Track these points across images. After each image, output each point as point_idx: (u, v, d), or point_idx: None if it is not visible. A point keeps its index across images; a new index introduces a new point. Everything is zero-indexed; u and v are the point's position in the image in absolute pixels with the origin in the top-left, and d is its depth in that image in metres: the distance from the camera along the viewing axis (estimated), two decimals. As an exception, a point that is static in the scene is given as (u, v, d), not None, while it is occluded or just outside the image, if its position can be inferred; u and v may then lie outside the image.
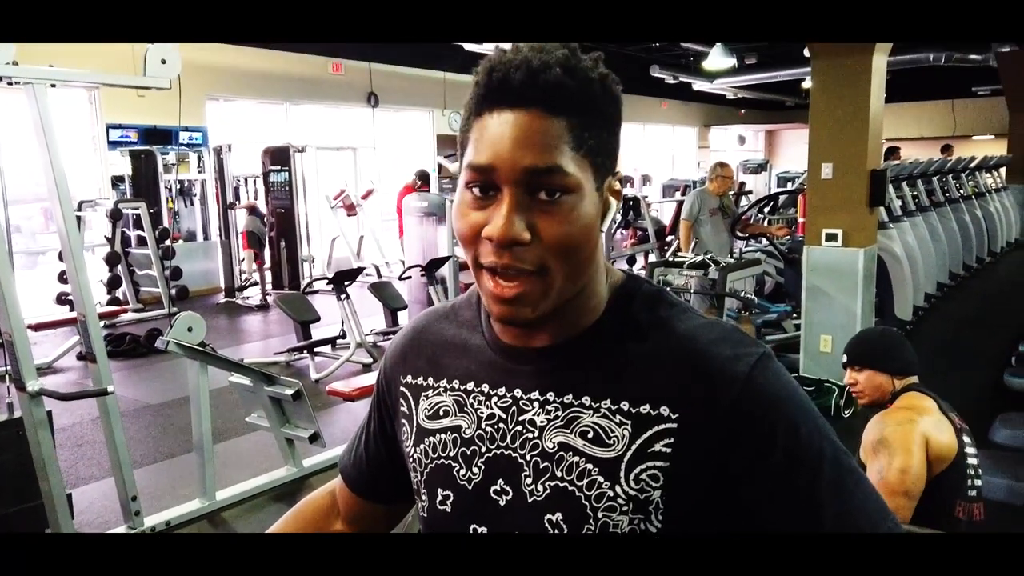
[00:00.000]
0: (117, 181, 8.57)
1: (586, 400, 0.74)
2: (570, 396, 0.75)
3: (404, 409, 0.87)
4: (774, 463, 0.68)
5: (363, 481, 0.95)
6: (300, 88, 10.57)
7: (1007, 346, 5.31)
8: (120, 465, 3.12)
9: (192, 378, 3.39)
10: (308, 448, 3.77)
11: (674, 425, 0.70)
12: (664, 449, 0.70)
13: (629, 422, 0.71)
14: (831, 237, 4.44)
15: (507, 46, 0.72)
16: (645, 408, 0.71)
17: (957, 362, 5.58)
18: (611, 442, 0.72)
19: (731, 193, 6.11)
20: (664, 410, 0.71)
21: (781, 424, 0.69)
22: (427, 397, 0.84)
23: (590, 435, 0.73)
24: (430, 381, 0.85)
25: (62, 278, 6.54)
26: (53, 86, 2.81)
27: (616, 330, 0.75)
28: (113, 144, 8.58)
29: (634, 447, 0.71)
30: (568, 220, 0.69)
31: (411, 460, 0.85)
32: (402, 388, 0.87)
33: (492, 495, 0.77)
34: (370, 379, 4.18)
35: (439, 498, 0.81)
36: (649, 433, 0.71)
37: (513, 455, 0.76)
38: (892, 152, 9.12)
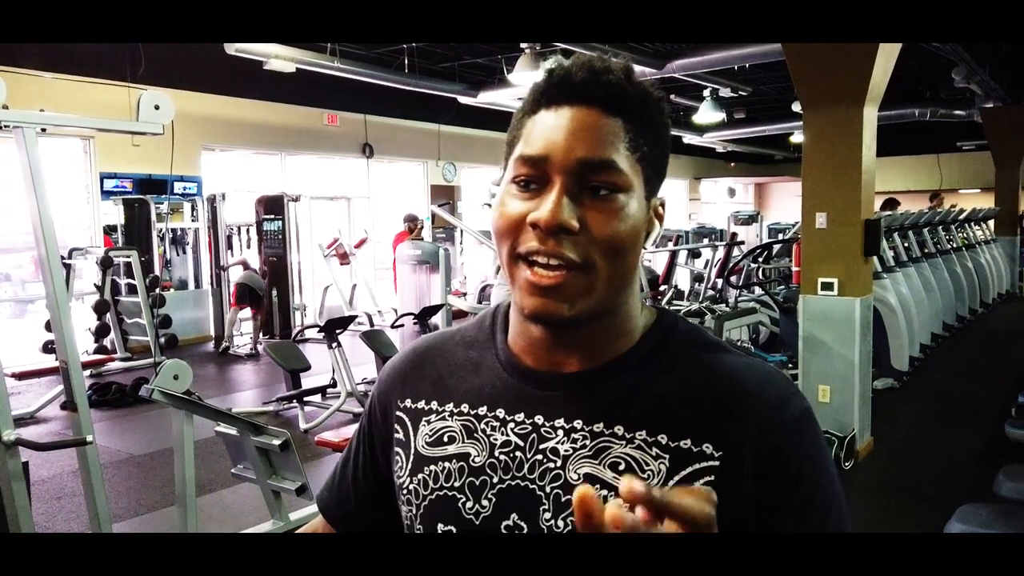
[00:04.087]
0: (110, 230, 8.55)
1: (618, 430, 0.69)
2: (600, 425, 0.69)
3: (400, 436, 0.79)
4: (794, 504, 0.68)
5: (353, 519, 0.86)
6: (295, 139, 10.66)
7: (1005, 396, 5.26)
8: (99, 519, 3.00)
9: (176, 428, 3.29)
10: (295, 501, 3.66)
11: (716, 463, 0.66)
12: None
13: (667, 456, 0.67)
14: (827, 286, 4.42)
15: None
16: (686, 443, 0.67)
17: (956, 413, 5.52)
18: (645, 476, 0.66)
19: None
20: (708, 447, 0.67)
21: (807, 472, 0.69)
22: (428, 422, 0.77)
23: (621, 467, 0.67)
24: (433, 405, 0.78)
25: (49, 326, 6.44)
26: (43, 130, 2.78)
27: (653, 361, 0.72)
28: (107, 194, 8.57)
29: (671, 483, 0.66)
30: (618, 218, 0.66)
31: (405, 492, 0.77)
32: (399, 413, 0.80)
33: (503, 531, 0.70)
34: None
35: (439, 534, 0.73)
36: (690, 470, 0.66)
37: (531, 487, 0.69)
38: (892, 204, 9.20)
